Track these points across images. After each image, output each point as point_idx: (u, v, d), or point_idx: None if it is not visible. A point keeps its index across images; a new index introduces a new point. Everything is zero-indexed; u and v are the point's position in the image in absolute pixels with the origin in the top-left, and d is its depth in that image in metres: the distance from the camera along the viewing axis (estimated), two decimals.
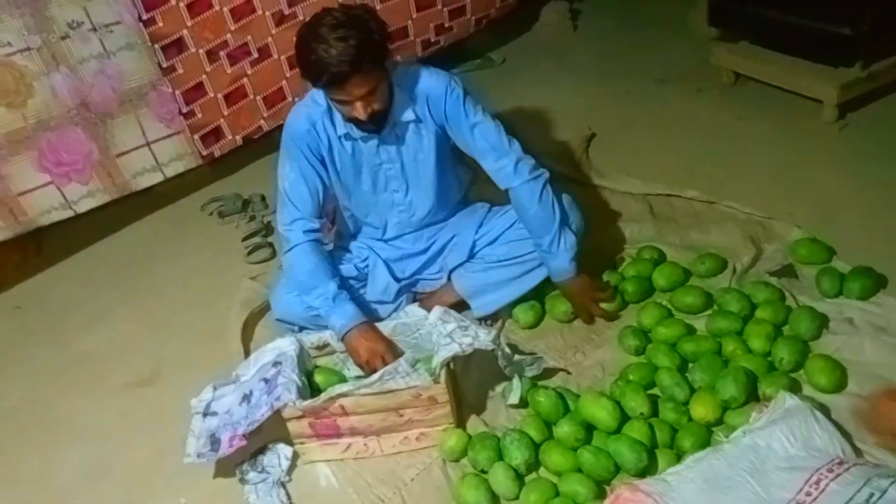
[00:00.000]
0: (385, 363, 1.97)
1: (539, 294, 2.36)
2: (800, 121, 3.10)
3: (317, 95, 2.10)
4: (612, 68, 3.74)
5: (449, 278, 2.35)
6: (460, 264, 2.33)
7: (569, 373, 2.18)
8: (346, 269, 2.30)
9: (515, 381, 2.06)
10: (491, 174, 2.20)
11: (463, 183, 2.38)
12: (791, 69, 3.17)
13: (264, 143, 3.20)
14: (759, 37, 3.31)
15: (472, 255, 2.32)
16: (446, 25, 3.47)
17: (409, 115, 2.10)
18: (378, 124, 2.05)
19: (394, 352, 2.04)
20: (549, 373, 2.16)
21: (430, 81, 2.10)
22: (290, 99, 3.13)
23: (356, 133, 2.09)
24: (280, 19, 3.01)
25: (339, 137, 2.12)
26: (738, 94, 3.39)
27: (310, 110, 2.11)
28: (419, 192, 2.26)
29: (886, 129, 2.96)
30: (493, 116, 2.17)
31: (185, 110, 2.95)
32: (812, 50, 3.10)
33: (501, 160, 2.15)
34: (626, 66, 3.73)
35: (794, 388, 1.96)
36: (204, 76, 2.95)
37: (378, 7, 3.19)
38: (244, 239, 2.87)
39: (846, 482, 1.56)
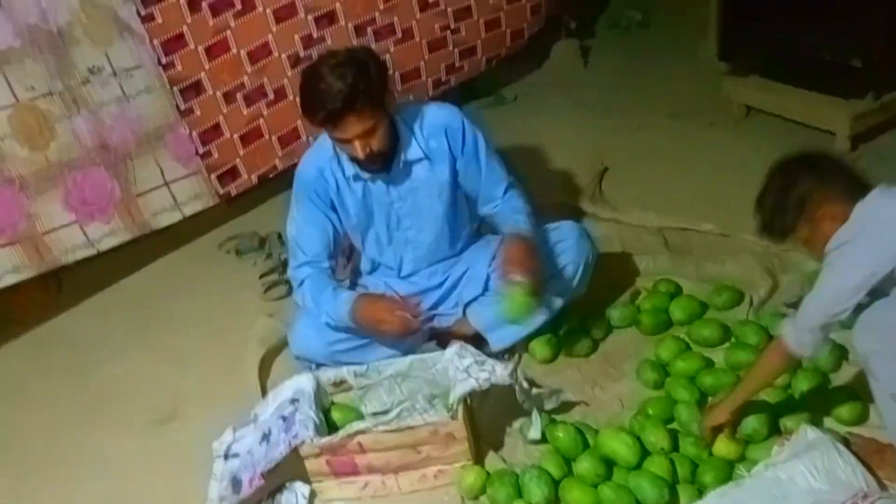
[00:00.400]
0: (404, 319, 2.01)
1: (555, 328, 2.36)
2: None
3: (324, 141, 2.13)
4: (623, 103, 3.77)
5: (464, 312, 2.36)
6: (475, 298, 2.34)
7: (587, 405, 2.17)
8: None
9: (535, 415, 2.05)
10: (493, 202, 2.25)
11: (475, 216, 2.40)
12: (803, 101, 3.19)
13: (281, 182, 3.23)
14: (770, 70, 3.34)
15: (486, 288, 2.33)
16: (457, 65, 3.53)
17: (417, 153, 2.12)
18: (382, 165, 2.08)
19: (401, 303, 2.08)
20: (567, 408, 2.16)
21: (444, 115, 2.15)
22: (304, 138, 3.17)
23: (364, 174, 2.12)
24: (296, 61, 3.07)
25: (348, 179, 2.14)
26: (750, 126, 3.40)
27: (317, 156, 2.16)
28: (432, 228, 2.27)
29: None
30: (500, 158, 2.25)
31: (201, 151, 3.00)
32: (823, 82, 3.12)
33: (499, 200, 2.24)
34: (638, 101, 3.75)
35: (816, 421, 1.94)
36: (220, 117, 3.01)
37: (391, 49, 3.26)
38: (261, 276, 2.89)
39: None
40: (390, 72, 3.20)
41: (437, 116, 2.14)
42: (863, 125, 3.04)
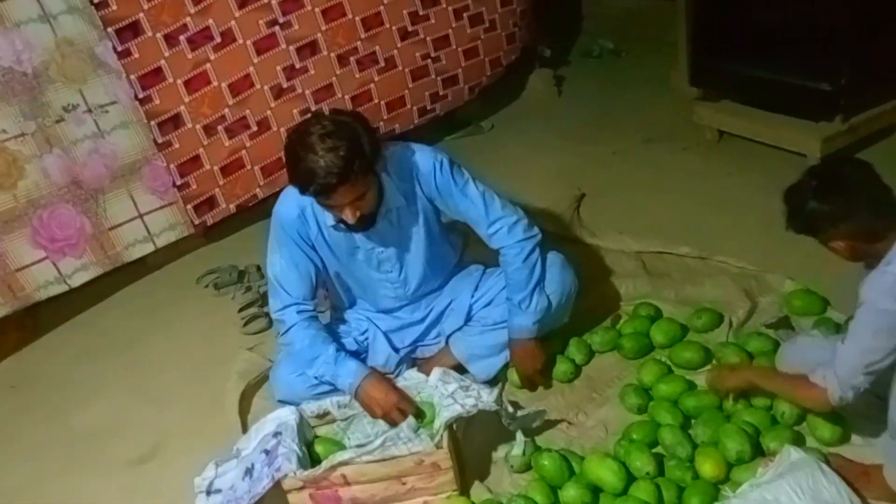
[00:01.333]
0: (403, 414, 1.99)
1: None
2: (785, 174, 3.07)
3: None
4: (598, 130, 3.82)
5: (447, 342, 2.35)
6: (457, 328, 2.34)
7: (571, 423, 2.19)
8: (347, 342, 2.29)
9: (519, 436, 2.04)
10: (485, 239, 2.23)
11: (457, 248, 2.40)
12: (774, 125, 3.25)
13: (259, 214, 3.23)
14: (741, 95, 3.41)
15: (468, 318, 2.33)
16: (441, 93, 3.56)
17: (398, 199, 2.11)
18: (367, 225, 2.06)
19: (408, 399, 2.06)
20: (551, 435, 2.15)
21: (417, 159, 2.12)
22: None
23: (344, 227, 2.09)
24: (279, 93, 3.08)
25: (330, 226, 2.12)
26: (723, 150, 3.46)
27: (298, 196, 2.08)
28: (413, 267, 2.27)
29: None
30: (482, 183, 2.20)
31: (179, 182, 3.00)
32: (793, 106, 3.19)
33: (495, 225, 2.19)
34: (612, 128, 3.81)
35: (798, 441, 1.95)
36: (201, 149, 3.01)
37: (376, 78, 3.29)
38: (240, 310, 2.87)
39: None
40: (375, 101, 3.25)
41: (409, 161, 2.11)
42: (832, 147, 3.09)
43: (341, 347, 2.18)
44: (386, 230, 2.16)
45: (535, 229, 2.22)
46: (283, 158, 1.95)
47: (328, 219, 2.09)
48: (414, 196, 2.15)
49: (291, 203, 2.12)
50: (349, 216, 1.95)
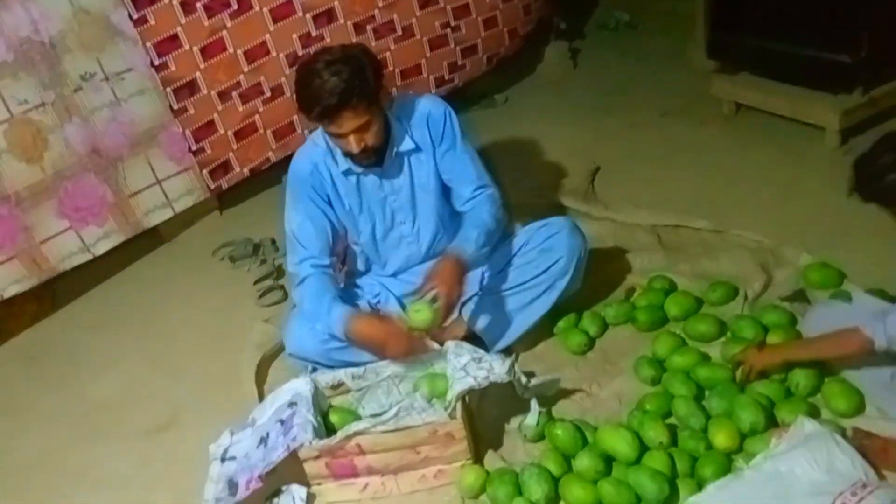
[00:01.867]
0: (400, 343, 2.00)
1: (550, 325, 2.38)
2: (803, 147, 3.13)
3: (317, 137, 2.16)
4: (614, 103, 3.79)
5: (460, 312, 2.35)
6: (470, 298, 2.33)
7: (587, 393, 2.18)
8: (361, 305, 2.30)
9: (533, 403, 2.05)
10: (462, 200, 2.26)
11: None
12: (792, 98, 3.20)
13: (273, 186, 3.24)
14: (759, 67, 3.35)
15: (481, 288, 2.33)
16: (459, 63, 3.53)
17: (408, 144, 2.15)
18: (375, 159, 2.10)
19: (398, 326, 2.03)
20: (565, 405, 2.16)
21: (429, 104, 2.19)
22: (299, 131, 3.19)
23: (357, 168, 2.13)
24: (294, 60, 3.06)
25: (343, 173, 2.15)
26: (740, 123, 3.42)
27: (311, 152, 2.17)
28: (425, 220, 2.29)
29: None
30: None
31: (194, 147, 3.03)
32: (812, 78, 3.13)
33: (479, 190, 2.24)
34: (628, 101, 3.77)
35: (813, 413, 1.95)
36: (215, 114, 3.02)
37: (392, 47, 3.27)
38: (256, 282, 2.89)
39: None
40: (390, 68, 3.24)
41: (421, 106, 2.18)
42: (852, 120, 3.05)
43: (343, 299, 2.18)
44: (398, 178, 2.19)
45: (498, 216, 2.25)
46: (294, 87, 2.02)
47: (341, 164, 2.13)
48: (426, 144, 2.19)
49: (305, 158, 2.17)
50: (353, 145, 2.00)
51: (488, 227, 2.19)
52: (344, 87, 1.91)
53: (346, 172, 2.16)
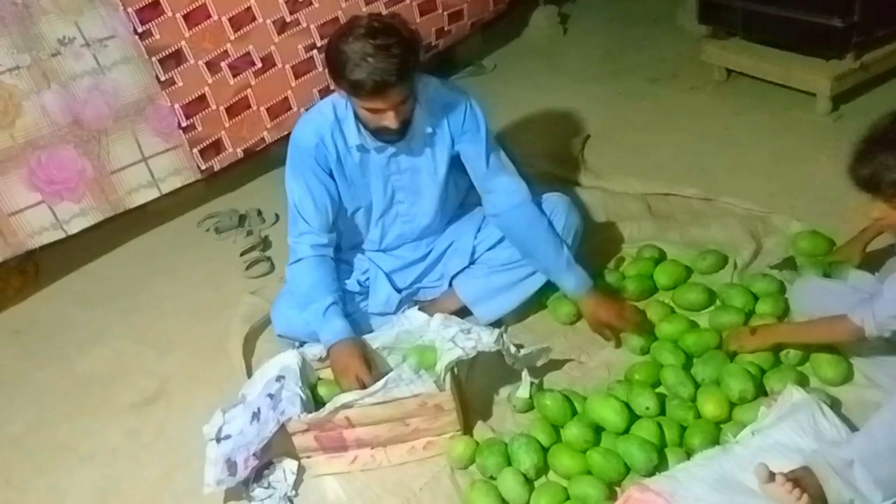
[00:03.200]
0: (359, 383, 1.96)
1: (541, 295, 2.36)
2: (794, 114, 3.11)
3: (324, 107, 2.09)
4: (604, 69, 3.74)
5: (450, 285, 2.34)
6: (461, 270, 2.32)
7: (581, 362, 2.18)
8: (349, 283, 2.29)
9: (525, 374, 2.04)
10: (491, 193, 2.22)
11: (461, 189, 2.37)
12: (783, 63, 3.17)
13: (261, 157, 3.20)
14: (750, 32, 3.32)
15: (472, 261, 2.31)
16: (446, 29, 3.48)
17: (426, 127, 2.10)
18: (403, 133, 2.05)
19: (370, 373, 2.00)
20: (555, 376, 2.15)
21: (448, 93, 2.13)
22: (295, 109, 3.09)
23: (370, 144, 2.09)
24: (282, 27, 2.98)
25: (350, 149, 2.11)
26: (731, 89, 3.39)
27: (317, 123, 2.10)
28: (424, 202, 2.26)
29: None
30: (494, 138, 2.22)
31: (184, 124, 2.91)
32: (803, 43, 3.11)
33: (511, 180, 2.21)
34: (618, 67, 3.73)
35: (802, 381, 1.95)
36: (206, 88, 2.90)
37: (383, 10, 3.17)
38: (242, 254, 2.85)
39: None
40: None
41: (440, 94, 2.12)
42: (844, 85, 3.03)
43: (343, 300, 2.16)
44: (407, 158, 2.15)
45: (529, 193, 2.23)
46: (327, 63, 1.94)
47: (352, 139, 2.08)
48: (440, 130, 2.14)
49: (310, 130, 2.10)
50: (394, 120, 1.95)
51: (554, 242, 2.20)
52: (399, 63, 1.84)
53: (358, 147, 2.11)
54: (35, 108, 2.60)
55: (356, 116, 2.04)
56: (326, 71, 2.00)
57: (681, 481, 1.67)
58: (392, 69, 1.84)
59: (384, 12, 3.11)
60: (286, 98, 3.08)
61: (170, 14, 2.76)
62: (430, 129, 2.11)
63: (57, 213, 2.75)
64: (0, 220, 2.64)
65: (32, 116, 2.60)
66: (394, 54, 1.84)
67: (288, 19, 2.98)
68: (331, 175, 2.14)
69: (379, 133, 2.03)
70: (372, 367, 2.04)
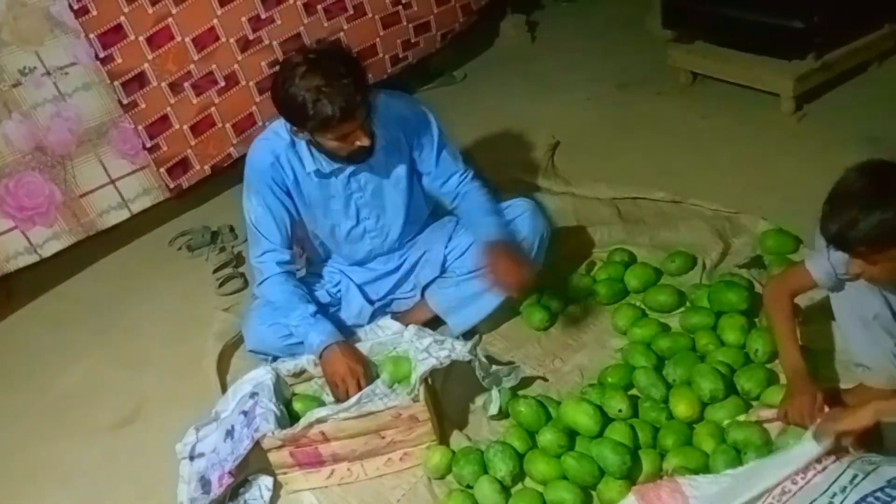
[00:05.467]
0: (360, 387, 1.97)
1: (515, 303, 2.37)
2: (759, 114, 3.15)
3: (279, 128, 2.09)
4: (572, 76, 3.77)
5: (422, 295, 2.35)
6: (433, 280, 2.33)
7: (545, 380, 2.18)
8: (320, 295, 2.29)
9: (494, 392, 2.05)
10: (446, 195, 2.26)
11: (430, 200, 2.38)
12: (747, 65, 3.22)
13: (231, 174, 3.18)
14: (714, 35, 3.36)
15: (443, 270, 2.32)
16: (412, 41, 3.49)
17: (380, 141, 2.10)
18: (373, 147, 2.06)
19: (370, 376, 2.03)
20: (528, 382, 2.17)
21: (402, 105, 2.14)
22: (260, 123, 3.10)
23: (326, 168, 2.09)
24: (245, 45, 2.99)
25: (309, 173, 2.11)
26: (697, 93, 3.43)
27: (272, 143, 2.10)
28: (391, 216, 2.26)
29: (843, 116, 3.02)
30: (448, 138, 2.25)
31: (149, 144, 2.92)
32: (766, 45, 3.15)
33: (461, 179, 2.24)
34: (587, 74, 3.76)
35: (772, 379, 1.98)
36: (168, 108, 2.92)
37: (345, 27, 3.20)
38: (215, 271, 2.84)
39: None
40: None
41: (393, 107, 2.12)
42: (806, 85, 3.07)
43: (317, 307, 2.16)
44: (366, 175, 2.16)
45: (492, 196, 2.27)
46: (282, 112, 1.94)
47: (308, 165, 2.08)
48: (397, 143, 2.14)
49: (265, 151, 2.10)
50: (364, 138, 1.95)
51: (494, 207, 2.21)
52: (353, 86, 1.85)
53: (317, 173, 2.10)
54: None
55: (312, 144, 2.04)
56: (283, 119, 1.99)
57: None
58: (350, 90, 1.85)
59: (345, 28, 3.17)
60: (251, 113, 3.10)
61: (132, 38, 2.77)
62: (384, 143, 2.11)
63: (30, 238, 2.76)
64: None
65: None
66: (345, 76, 1.85)
67: (251, 37, 2.99)
68: (288, 194, 2.14)
69: (353, 154, 2.03)
70: (371, 371, 2.06)
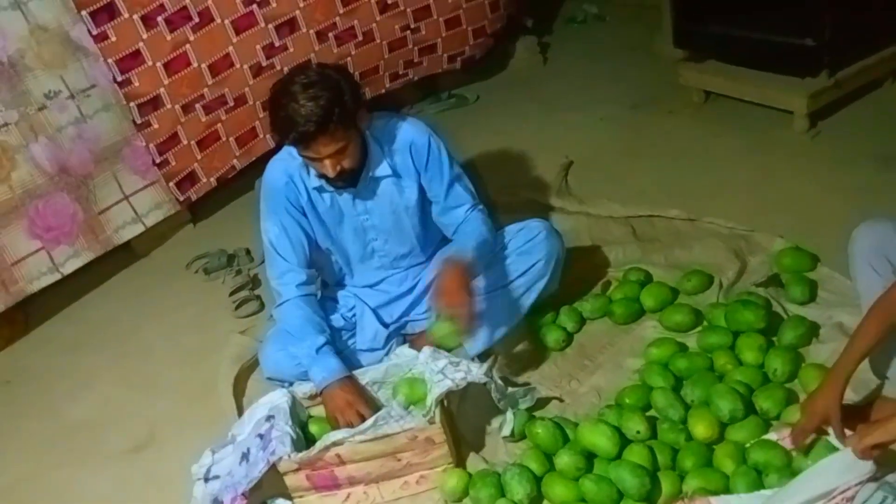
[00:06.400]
0: (360, 418, 1.95)
1: (528, 323, 2.35)
2: (773, 132, 3.14)
3: (292, 149, 2.11)
4: (584, 97, 3.79)
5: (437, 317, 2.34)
6: None
7: (561, 401, 2.16)
8: (334, 319, 2.29)
9: (509, 413, 2.04)
10: (448, 226, 2.24)
11: None
12: (759, 83, 3.22)
13: (246, 195, 3.22)
14: (725, 54, 3.37)
15: None
16: (416, 60, 3.53)
17: (384, 170, 2.11)
18: (350, 181, 2.07)
19: (371, 407, 2.01)
20: (545, 403, 2.15)
21: (412, 132, 2.14)
22: (261, 136, 3.18)
23: (328, 187, 2.11)
24: (258, 71, 3.06)
25: (315, 189, 2.13)
26: (709, 111, 3.43)
27: (286, 164, 2.13)
28: (399, 240, 2.27)
29: (857, 133, 3.01)
30: (460, 168, 2.22)
31: (158, 160, 3.01)
32: (778, 63, 3.15)
33: (467, 212, 2.21)
34: (598, 94, 3.77)
35: (791, 398, 1.95)
36: (178, 127, 3.00)
37: (353, 52, 3.26)
38: (231, 293, 2.85)
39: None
40: (350, 71, 3.23)
41: (404, 132, 2.13)
42: (819, 103, 3.07)
43: (332, 339, 2.15)
44: (372, 199, 2.16)
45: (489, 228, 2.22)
46: (270, 110, 1.97)
47: (313, 181, 2.10)
48: (406, 168, 2.15)
49: (279, 170, 2.13)
50: (329, 169, 1.96)
51: (484, 238, 2.16)
52: (322, 114, 1.86)
53: (319, 189, 2.13)
54: (27, 160, 2.68)
55: (306, 161, 2.05)
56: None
57: None
58: (314, 120, 1.86)
59: (353, 53, 3.23)
60: (254, 128, 3.18)
61: (150, 63, 2.84)
62: (389, 172, 2.12)
63: (54, 258, 2.82)
64: (3, 271, 2.70)
65: (26, 168, 2.68)
66: (320, 105, 1.86)
67: (264, 63, 3.06)
68: (303, 213, 2.16)
69: (325, 179, 2.05)
70: (372, 404, 2.04)
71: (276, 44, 3.06)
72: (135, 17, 2.77)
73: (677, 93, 3.52)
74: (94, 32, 2.73)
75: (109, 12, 2.74)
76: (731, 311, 2.19)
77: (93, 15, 2.72)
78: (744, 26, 3.18)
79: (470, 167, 3.14)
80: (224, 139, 3.12)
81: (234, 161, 3.19)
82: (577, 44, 4.39)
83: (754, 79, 3.24)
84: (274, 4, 3.02)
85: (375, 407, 2.03)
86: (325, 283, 2.43)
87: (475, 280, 2.10)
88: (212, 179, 3.17)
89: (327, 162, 1.95)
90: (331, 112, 1.87)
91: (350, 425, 1.94)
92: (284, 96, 1.90)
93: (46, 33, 2.65)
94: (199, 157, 3.10)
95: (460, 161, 2.29)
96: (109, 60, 2.76)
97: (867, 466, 1.50)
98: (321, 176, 2.05)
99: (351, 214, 2.19)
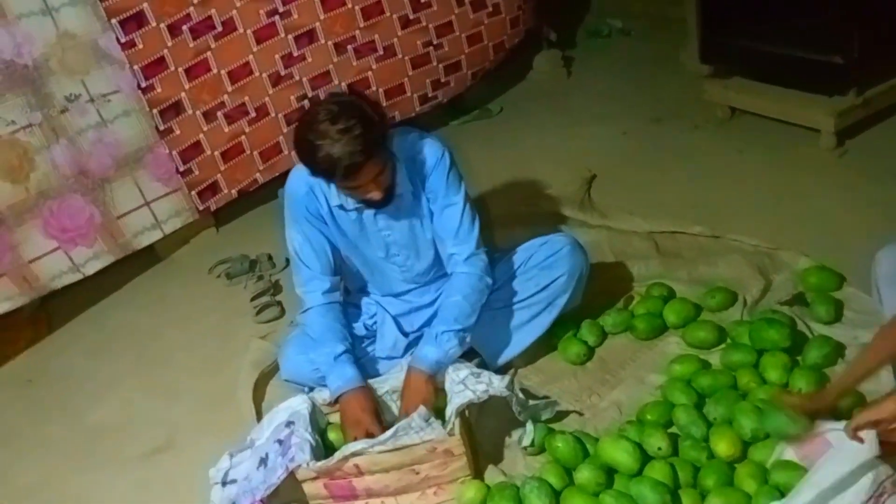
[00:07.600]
0: (367, 435, 1.94)
1: (550, 337, 2.35)
2: (798, 150, 3.12)
3: None
4: (608, 110, 3.78)
5: None
6: None
7: (581, 414, 2.15)
8: (356, 328, 2.29)
9: (529, 425, 2.03)
10: (443, 255, 2.22)
11: None
12: (785, 100, 3.20)
13: (269, 202, 3.24)
14: (752, 70, 3.35)
15: None
16: (443, 81, 3.54)
17: (405, 184, 2.11)
18: (389, 198, 2.06)
19: (379, 426, 1.99)
20: (565, 417, 2.14)
21: (426, 149, 2.12)
22: (285, 152, 3.21)
23: (350, 205, 2.10)
24: (277, 80, 3.11)
25: (337, 207, 2.12)
26: (734, 127, 3.41)
27: (307, 174, 2.12)
28: (421, 255, 2.26)
29: (885, 152, 2.98)
30: (469, 200, 2.17)
31: (182, 168, 3.04)
32: (805, 80, 3.13)
33: (458, 247, 2.16)
34: (622, 108, 3.76)
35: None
36: (201, 135, 3.04)
37: (373, 66, 3.28)
38: (253, 299, 2.87)
39: None
40: (373, 88, 3.26)
41: (419, 149, 2.11)
42: (847, 121, 3.04)
43: (354, 349, 2.16)
44: (393, 214, 2.15)
45: (490, 279, 2.17)
46: (296, 153, 1.96)
47: (333, 199, 2.10)
48: (422, 184, 2.14)
49: (300, 181, 2.12)
50: (375, 192, 1.96)
51: (456, 319, 2.08)
52: (363, 143, 1.84)
53: (341, 207, 2.12)
54: (46, 162, 2.72)
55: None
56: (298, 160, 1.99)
57: None
58: (358, 150, 1.84)
59: (374, 67, 3.25)
60: (277, 143, 3.22)
61: (172, 69, 2.89)
62: (410, 187, 2.11)
63: (73, 258, 2.85)
64: (22, 267, 2.74)
65: (44, 169, 2.72)
66: (356, 136, 1.84)
67: (282, 73, 3.11)
68: (324, 222, 2.16)
69: (366, 201, 2.04)
70: (382, 420, 2.03)
71: (295, 54, 3.12)
72: (162, 25, 2.84)
73: (702, 107, 3.51)
74: (123, 40, 2.78)
75: (138, 21, 2.80)
76: (755, 328, 2.16)
77: (122, 23, 2.77)
78: (772, 42, 3.16)
79: (492, 179, 3.17)
80: (248, 152, 3.16)
81: (258, 175, 3.22)
82: (601, 58, 4.39)
83: (781, 96, 3.22)
84: (295, 15, 3.07)
85: (387, 421, 2.03)
86: (347, 289, 2.43)
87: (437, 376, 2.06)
88: (233, 191, 3.21)
89: (372, 186, 1.95)
90: (369, 138, 1.86)
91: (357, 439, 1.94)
92: (315, 136, 1.86)
93: (74, 40, 2.70)
94: (222, 168, 3.14)
95: (475, 193, 2.25)
96: (135, 67, 2.81)
97: (866, 447, 1.51)
98: (362, 201, 2.04)
99: (373, 230, 2.19)
